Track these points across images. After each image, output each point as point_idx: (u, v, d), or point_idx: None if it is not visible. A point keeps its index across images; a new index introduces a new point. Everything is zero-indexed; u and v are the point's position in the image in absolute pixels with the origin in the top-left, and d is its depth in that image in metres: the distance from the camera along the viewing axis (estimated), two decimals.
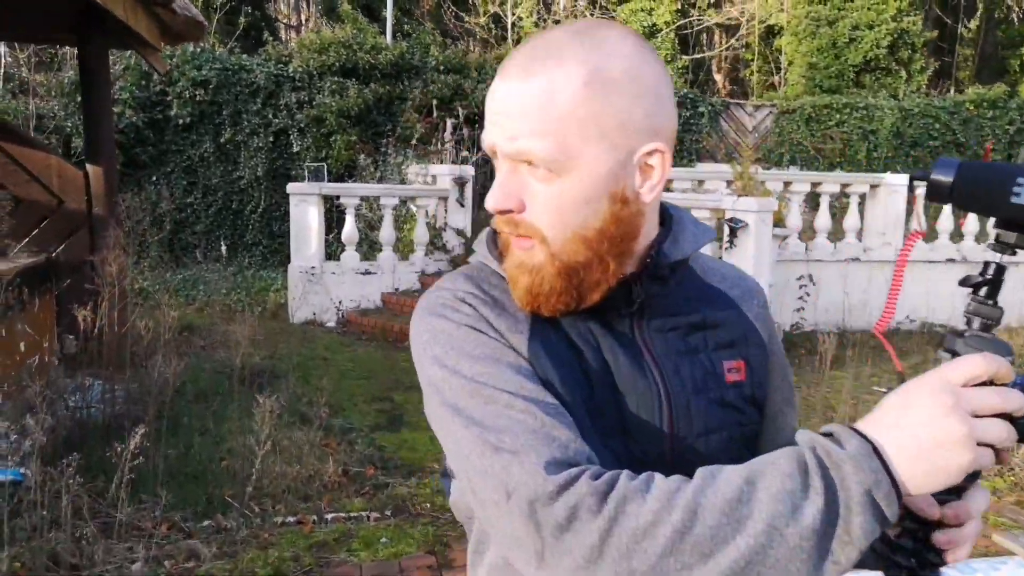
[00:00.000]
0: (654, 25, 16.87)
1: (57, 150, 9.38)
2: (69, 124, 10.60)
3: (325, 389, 5.61)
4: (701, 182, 8.07)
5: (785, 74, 19.06)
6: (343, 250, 8.55)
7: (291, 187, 8.32)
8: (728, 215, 6.64)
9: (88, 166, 5.83)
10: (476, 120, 11.24)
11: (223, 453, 4.18)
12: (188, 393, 5.01)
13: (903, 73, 16.35)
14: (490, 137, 0.83)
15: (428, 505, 3.88)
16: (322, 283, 8.27)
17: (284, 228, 11.14)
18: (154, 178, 10.75)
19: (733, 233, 6.62)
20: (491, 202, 0.83)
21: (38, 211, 5.76)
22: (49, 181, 5.79)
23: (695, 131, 13.18)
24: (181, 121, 10.71)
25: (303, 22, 20.74)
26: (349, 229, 8.44)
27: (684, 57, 18.79)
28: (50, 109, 10.92)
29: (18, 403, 4.44)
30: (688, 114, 13.09)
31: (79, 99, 10.71)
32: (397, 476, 4.22)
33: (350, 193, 8.47)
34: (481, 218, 9.88)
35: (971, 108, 13.76)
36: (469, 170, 8.95)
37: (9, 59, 14.31)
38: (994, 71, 19.27)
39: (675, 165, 10.56)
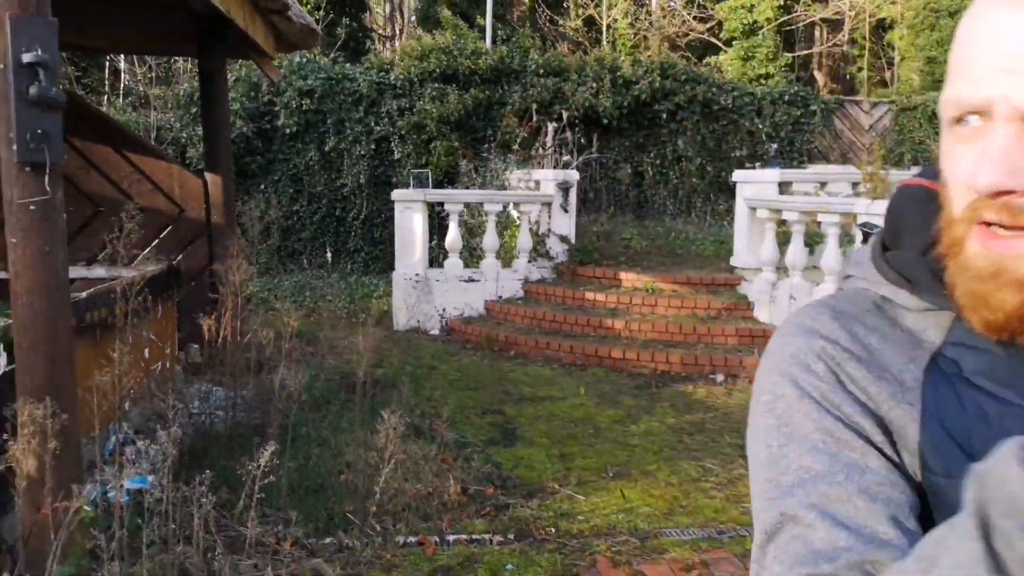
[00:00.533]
0: (755, 23, 16.18)
1: (175, 160, 9.74)
2: (184, 135, 11.03)
3: (438, 401, 5.50)
4: (823, 184, 7.57)
5: (897, 69, 17.96)
6: (446, 257, 8.48)
7: (396, 194, 8.31)
8: (860, 219, 6.14)
9: (207, 175, 5.93)
10: (577, 123, 11.01)
11: (342, 466, 4.09)
12: (304, 402, 4.97)
13: None
14: (998, 87, 0.56)
15: (553, 530, 3.66)
16: (426, 290, 8.22)
17: (385, 235, 11.23)
18: (262, 186, 11.03)
19: (866, 240, 6.11)
20: (989, 177, 0.56)
21: (160, 220, 5.90)
22: (171, 191, 5.92)
23: (806, 130, 12.51)
24: (288, 130, 10.95)
25: (397, 33, 21.09)
26: (453, 236, 8.36)
27: (787, 55, 17.98)
28: (167, 121, 11.40)
29: (144, 410, 4.50)
30: (799, 113, 12.44)
31: (193, 111, 11.15)
32: (517, 496, 4.02)
33: (454, 199, 8.40)
34: (585, 225, 9.64)
35: None
36: (574, 174, 8.73)
37: (128, 75, 15.10)
38: None
39: (785, 167, 10.00)
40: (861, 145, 13.25)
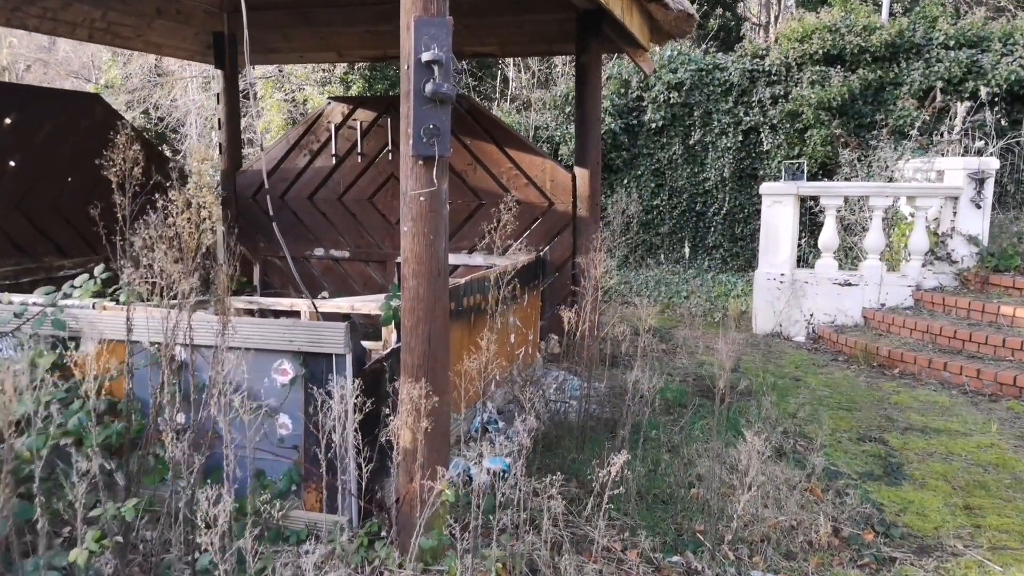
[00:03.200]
0: None
1: (549, 156, 10.35)
2: (558, 133, 11.67)
3: (805, 420, 4.91)
4: None
5: None
6: (817, 257, 7.62)
7: (765, 187, 7.70)
8: None
9: (576, 169, 6.08)
10: (997, 102, 9.10)
11: (692, 479, 3.80)
12: (656, 404, 4.79)
13: None
14: None
15: None
16: (792, 292, 7.49)
17: (746, 231, 10.60)
18: (625, 181, 11.19)
19: None
20: None
21: (532, 212, 6.22)
22: (543, 184, 6.19)
23: None
24: (653, 125, 10.92)
25: (772, 19, 19.85)
26: (829, 233, 7.47)
27: None
28: (544, 122, 12.19)
29: (507, 393, 4.73)
30: None
31: (568, 111, 11.74)
32: (905, 550, 3.31)
33: (832, 193, 7.49)
34: (1002, 224, 7.91)
35: None
36: (992, 162, 7.17)
37: (515, 81, 16.58)
38: None
39: None
40: None
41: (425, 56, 2.83)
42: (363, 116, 6.51)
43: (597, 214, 6.13)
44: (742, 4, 19.42)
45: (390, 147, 6.42)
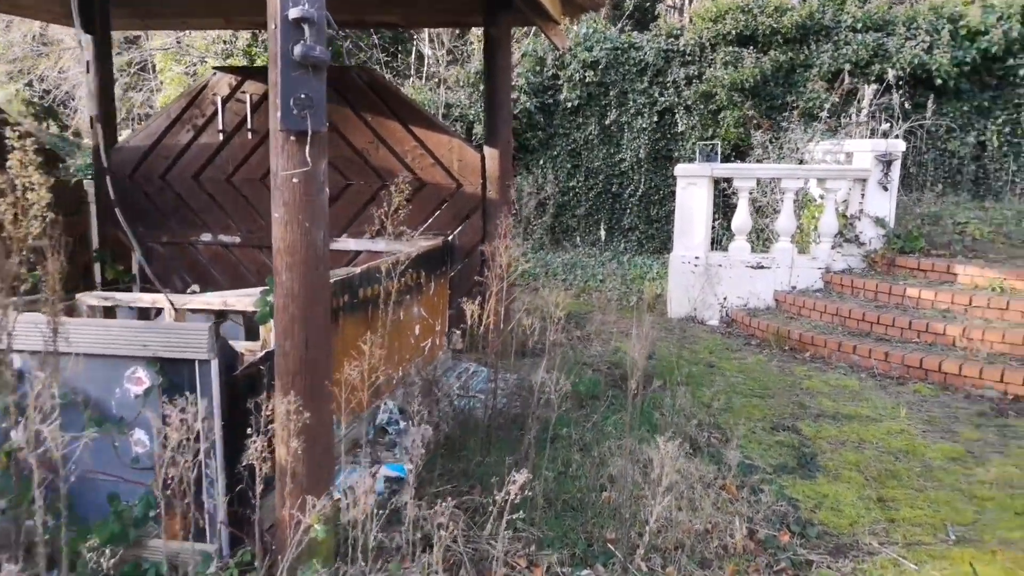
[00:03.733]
0: None
1: (460, 136, 9.98)
2: (472, 112, 11.28)
3: (719, 410, 4.77)
4: None
5: None
6: (731, 239, 7.57)
7: (680, 169, 7.56)
8: None
9: (485, 148, 5.75)
10: (902, 86, 9.26)
11: (604, 481, 3.57)
12: (566, 398, 4.56)
13: None
14: None
15: None
16: (706, 276, 7.41)
17: (662, 213, 10.54)
18: (540, 161, 10.93)
19: None
20: None
21: (439, 194, 5.86)
22: (450, 164, 5.83)
23: None
24: (569, 104, 10.68)
25: (688, 1, 19.91)
26: (741, 216, 7.42)
27: None
28: (457, 99, 11.76)
29: (411, 389, 4.38)
30: None
31: (481, 88, 11.36)
32: (822, 550, 3.18)
33: (745, 175, 7.42)
34: (907, 206, 8.06)
35: None
36: (899, 144, 7.25)
37: (431, 59, 16.03)
38: None
39: None
40: None
41: (293, 12, 2.44)
42: (253, 89, 5.97)
43: (508, 196, 5.82)
44: None
45: None
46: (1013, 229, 7.56)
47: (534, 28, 10.57)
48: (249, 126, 6.00)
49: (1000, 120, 9.55)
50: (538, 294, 6.08)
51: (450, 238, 5.68)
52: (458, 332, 4.81)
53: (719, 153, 7.34)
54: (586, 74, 10.55)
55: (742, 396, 5.25)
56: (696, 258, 7.47)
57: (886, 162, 7.17)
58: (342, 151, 5.88)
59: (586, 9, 6.01)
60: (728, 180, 7.77)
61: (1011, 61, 9.36)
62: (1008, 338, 5.57)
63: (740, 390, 5.39)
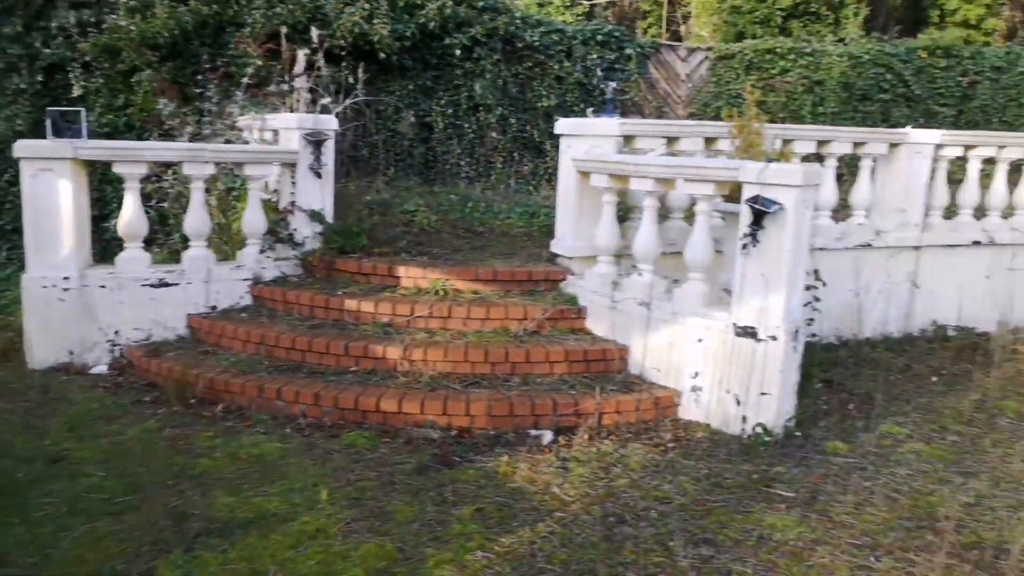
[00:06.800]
0: None
1: None
2: None
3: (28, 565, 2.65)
4: (672, 140, 5.49)
5: (692, 24, 16.87)
6: (122, 249, 5.40)
7: (21, 147, 5.04)
8: (749, 192, 4.07)
9: None
10: (344, 56, 8.18)
11: None
12: None
13: (834, 18, 14.69)
14: None
15: None
16: (84, 302, 5.13)
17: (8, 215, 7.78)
18: None
19: (759, 221, 4.05)
20: None
21: None
22: None
23: (620, 78, 10.60)
24: None
25: None
26: (130, 215, 5.30)
27: (585, 2, 16.27)
28: None
29: None
30: (612, 57, 10.51)
31: None
32: None
33: (130, 157, 5.28)
34: (356, 194, 6.93)
35: (923, 55, 11.96)
36: (330, 121, 5.95)
37: None
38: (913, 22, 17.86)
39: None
40: (677, 98, 11.69)
41: None
42: None
43: None
44: None
45: None
46: (459, 217, 7.01)
47: None
48: None
49: (443, 101, 9.23)
50: None
51: None
52: None
53: (85, 123, 5.04)
54: None
55: (85, 517, 3.22)
56: (66, 279, 5.10)
57: (316, 142, 5.81)
58: None
59: None
60: (108, 164, 5.52)
61: (448, 39, 9.06)
62: (451, 355, 4.65)
63: (89, 501, 3.35)
